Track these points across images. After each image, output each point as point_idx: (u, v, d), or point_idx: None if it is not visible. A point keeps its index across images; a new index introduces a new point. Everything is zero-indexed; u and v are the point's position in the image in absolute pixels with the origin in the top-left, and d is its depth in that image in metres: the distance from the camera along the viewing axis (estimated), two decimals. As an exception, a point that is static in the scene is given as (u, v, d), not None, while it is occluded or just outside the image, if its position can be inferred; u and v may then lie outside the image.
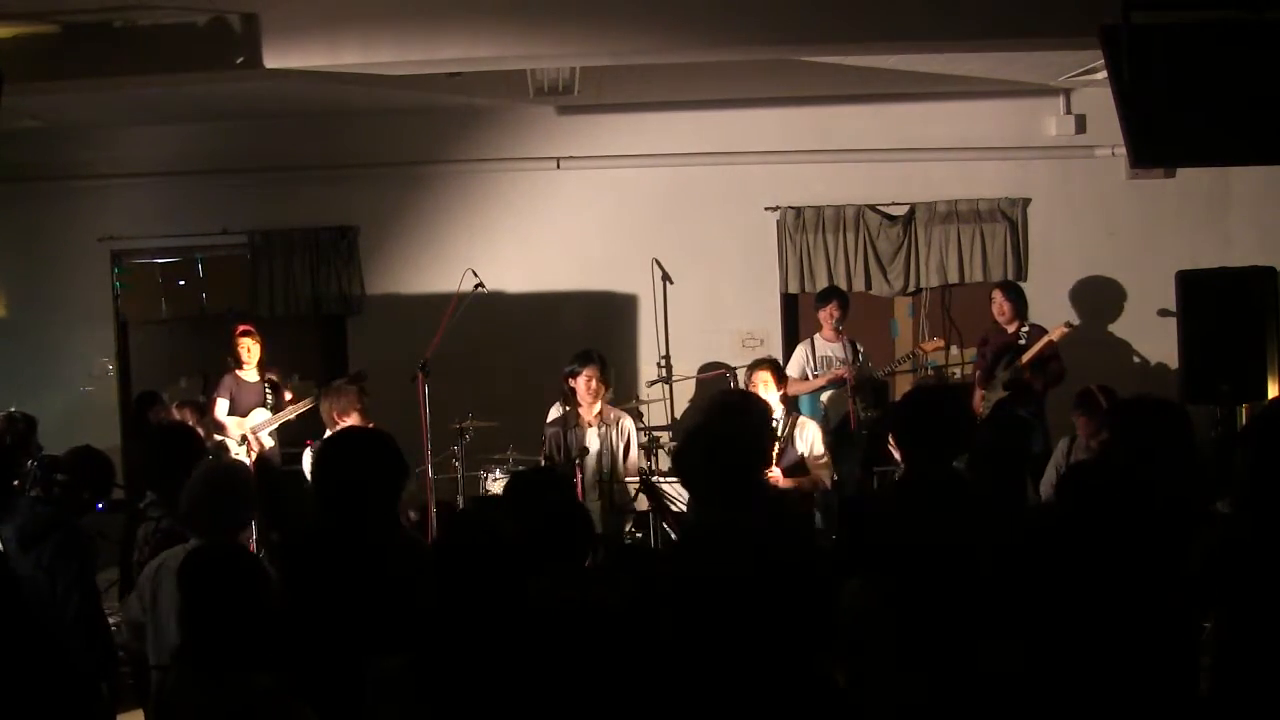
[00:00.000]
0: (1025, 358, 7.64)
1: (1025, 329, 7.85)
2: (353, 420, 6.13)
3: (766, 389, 6.49)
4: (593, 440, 6.62)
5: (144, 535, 4.22)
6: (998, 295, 8.09)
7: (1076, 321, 8.23)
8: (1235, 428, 6.84)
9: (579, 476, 6.37)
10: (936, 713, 2.87)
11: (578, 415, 6.74)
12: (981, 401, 7.83)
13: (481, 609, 2.74)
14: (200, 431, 6.09)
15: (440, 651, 2.70)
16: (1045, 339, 7.66)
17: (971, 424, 3.95)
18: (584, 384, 6.71)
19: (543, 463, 6.97)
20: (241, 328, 8.00)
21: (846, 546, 3.35)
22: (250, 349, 7.83)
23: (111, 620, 5.37)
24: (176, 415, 7.79)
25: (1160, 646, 3.04)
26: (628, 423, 6.80)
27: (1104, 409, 6.25)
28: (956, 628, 2.80)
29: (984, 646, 2.79)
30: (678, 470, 3.68)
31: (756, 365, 6.76)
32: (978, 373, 8.06)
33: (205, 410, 7.92)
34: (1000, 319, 8.03)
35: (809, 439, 6.40)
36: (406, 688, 2.71)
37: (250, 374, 7.83)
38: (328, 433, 6.10)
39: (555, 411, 7.86)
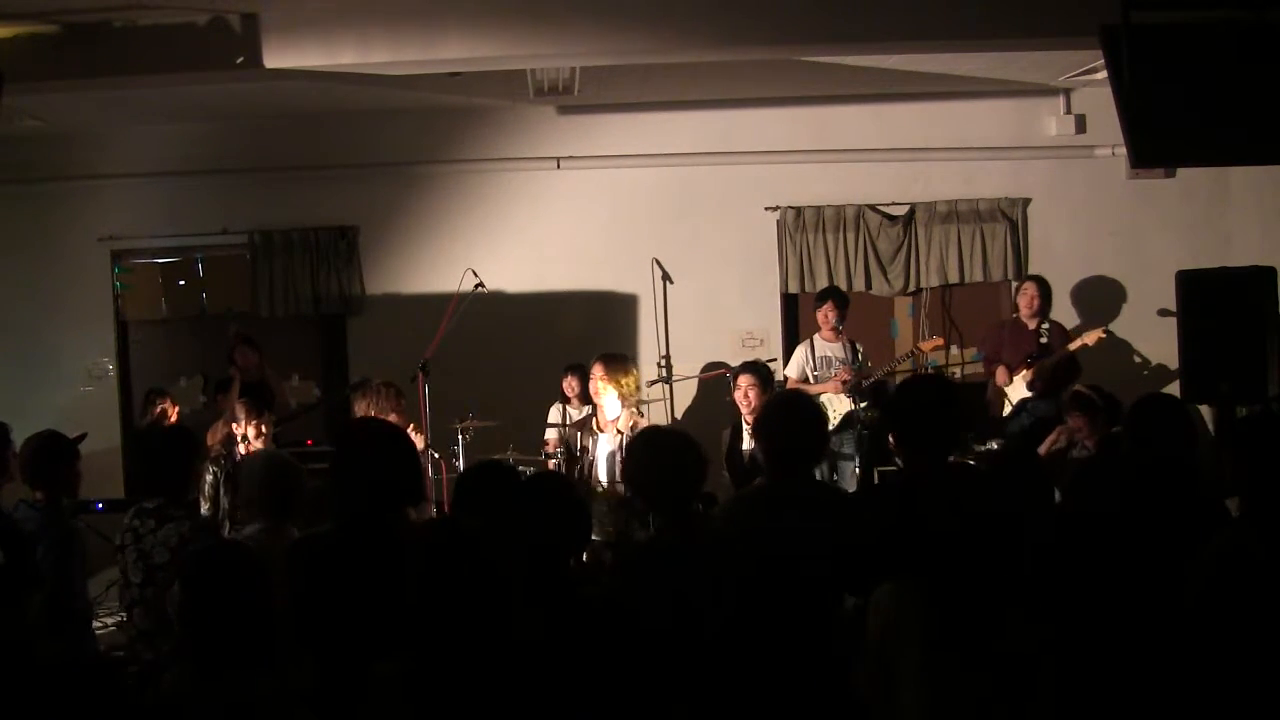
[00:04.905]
0: (1049, 361, 7.76)
1: (1046, 325, 8.00)
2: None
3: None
4: (605, 444, 6.48)
5: (169, 536, 4.13)
6: (1030, 287, 8.15)
7: (1107, 330, 8.18)
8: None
9: (576, 476, 6.35)
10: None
11: (594, 417, 6.68)
12: (996, 395, 7.93)
13: (472, 614, 2.73)
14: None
15: (432, 657, 2.68)
16: (1080, 342, 7.78)
17: (961, 418, 3.92)
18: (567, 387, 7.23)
19: (546, 461, 6.98)
20: (238, 332, 8.09)
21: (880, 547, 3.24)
22: (247, 353, 7.94)
23: (111, 620, 5.36)
24: (172, 412, 7.84)
25: (1173, 645, 3.03)
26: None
27: (1101, 410, 6.30)
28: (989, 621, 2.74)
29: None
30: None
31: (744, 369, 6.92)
32: (999, 367, 8.06)
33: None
34: (1026, 311, 8.10)
35: None
36: (398, 693, 2.70)
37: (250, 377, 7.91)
38: None
39: (555, 411, 7.84)
